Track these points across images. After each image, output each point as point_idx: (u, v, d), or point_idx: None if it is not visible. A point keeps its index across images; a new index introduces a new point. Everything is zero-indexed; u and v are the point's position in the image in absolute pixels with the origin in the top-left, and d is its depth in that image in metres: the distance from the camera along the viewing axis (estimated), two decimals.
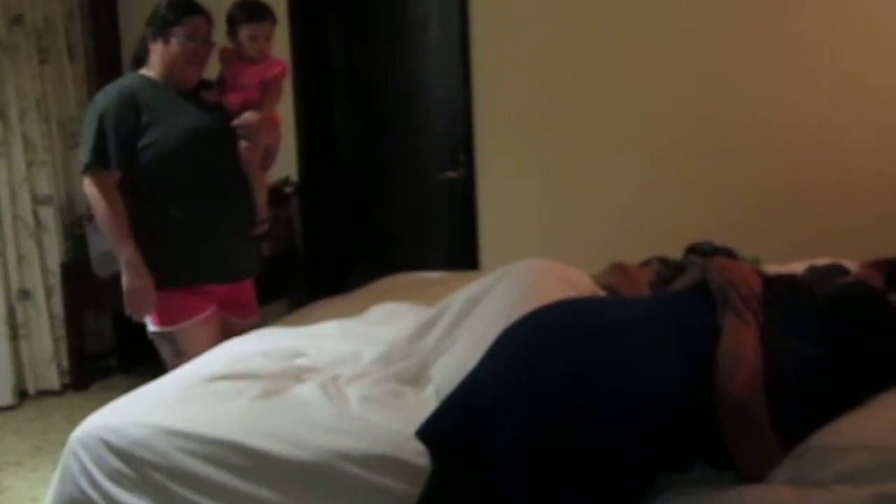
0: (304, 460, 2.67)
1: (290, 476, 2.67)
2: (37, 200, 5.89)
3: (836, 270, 3.92)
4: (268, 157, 4.10)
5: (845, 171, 4.94)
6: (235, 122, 3.90)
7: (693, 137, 5.22)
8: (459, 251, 5.74)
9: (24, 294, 5.84)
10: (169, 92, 3.81)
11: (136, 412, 2.99)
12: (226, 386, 3.08)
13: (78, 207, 6.10)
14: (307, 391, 3.01)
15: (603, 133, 5.38)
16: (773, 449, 2.43)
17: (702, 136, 5.21)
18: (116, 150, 3.68)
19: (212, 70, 4.00)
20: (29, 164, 5.84)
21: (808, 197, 5.05)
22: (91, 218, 5.77)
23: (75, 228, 5.99)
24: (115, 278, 5.55)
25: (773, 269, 4.12)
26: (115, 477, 2.84)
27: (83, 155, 3.74)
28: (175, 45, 3.76)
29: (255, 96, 3.97)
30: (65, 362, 6.00)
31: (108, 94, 3.75)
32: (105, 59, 6.31)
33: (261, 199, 4.04)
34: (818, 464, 2.40)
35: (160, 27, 3.78)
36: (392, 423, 2.75)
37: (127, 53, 6.20)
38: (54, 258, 5.96)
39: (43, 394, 5.88)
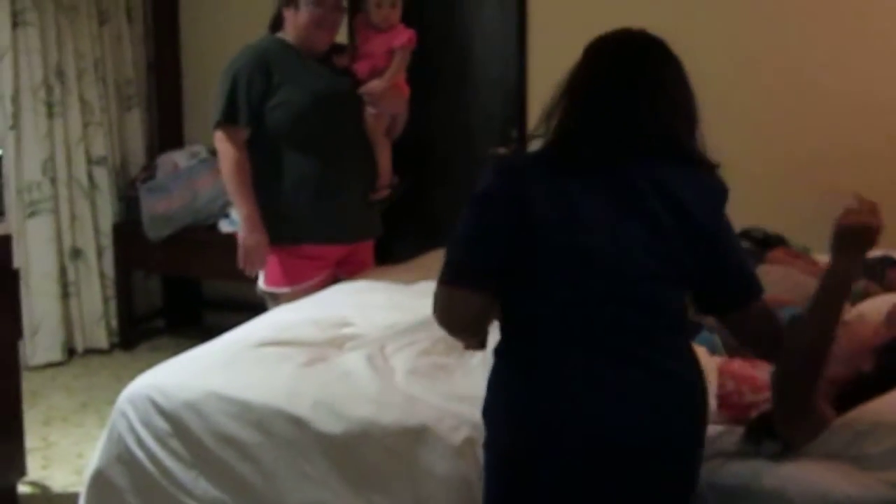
0: (345, 430, 2.70)
1: (332, 446, 2.71)
2: (91, 161, 5.94)
3: (888, 262, 3.91)
4: (394, 126, 4.19)
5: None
6: (362, 89, 4.00)
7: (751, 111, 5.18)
8: None
9: (76, 253, 5.91)
10: (301, 55, 3.92)
11: (185, 375, 3.03)
12: (273, 352, 3.12)
13: (132, 169, 6.16)
14: (353, 361, 3.05)
15: None
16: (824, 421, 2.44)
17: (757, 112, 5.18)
18: (246, 108, 3.81)
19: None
20: (85, 125, 5.89)
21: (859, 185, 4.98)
22: (144, 179, 5.86)
23: (128, 190, 6.06)
24: (166, 241, 5.69)
25: (824, 259, 4.10)
26: (161, 438, 2.89)
27: (215, 111, 3.87)
28: (304, 11, 3.85)
29: (381, 64, 4.04)
30: (113, 322, 6.07)
31: (243, 55, 3.88)
32: (163, 22, 6.35)
33: (383, 165, 4.13)
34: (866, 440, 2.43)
35: None
36: (433, 396, 2.78)
37: (185, 15, 6.32)
38: (107, 219, 6.02)
39: (90, 352, 5.95)
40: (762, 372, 2.74)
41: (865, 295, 3.62)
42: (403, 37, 4.05)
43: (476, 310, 2.20)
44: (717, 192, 2.22)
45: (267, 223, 3.86)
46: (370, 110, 4.02)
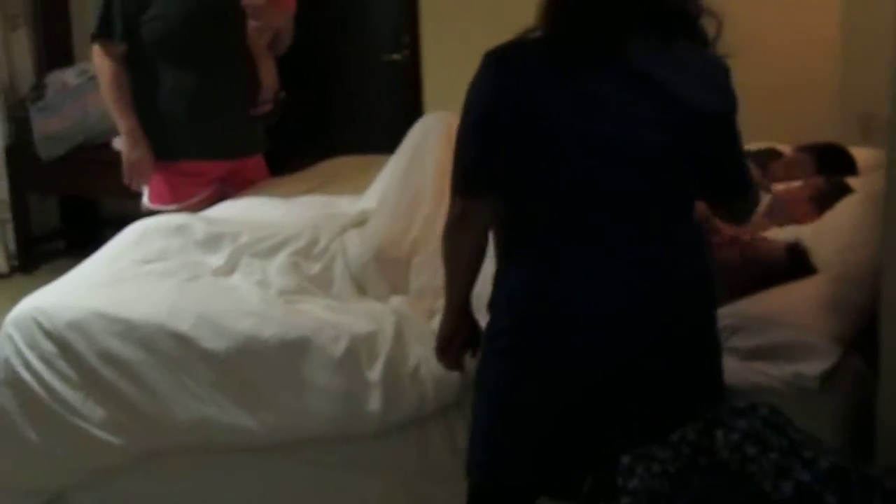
0: (227, 346, 2.73)
1: (214, 361, 2.74)
2: None
3: (770, 154, 3.99)
4: (278, 39, 4.12)
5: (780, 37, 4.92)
6: (243, 2, 3.93)
7: None
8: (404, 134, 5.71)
9: None
10: None
11: (69, 295, 3.03)
12: (158, 268, 3.12)
13: (21, 89, 6.01)
14: (236, 276, 3.06)
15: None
16: None
17: None
18: (121, 22, 3.75)
19: None
20: None
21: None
22: (34, 98, 5.73)
23: (18, 110, 5.92)
24: (60, 161, 5.59)
25: None
26: (47, 359, 2.90)
27: (93, 25, 3.82)
28: None
29: None
30: (11, 245, 5.96)
31: None
32: None
33: (266, 79, 4.08)
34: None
35: None
36: (313, 308, 2.81)
37: None
38: None
39: None
40: None
41: None
42: None
43: (489, 217, 2.17)
44: (724, 71, 2.14)
45: (148, 138, 3.82)
46: (252, 24, 3.96)
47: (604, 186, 2.08)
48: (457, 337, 2.33)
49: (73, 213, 6.39)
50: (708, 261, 2.25)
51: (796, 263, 2.76)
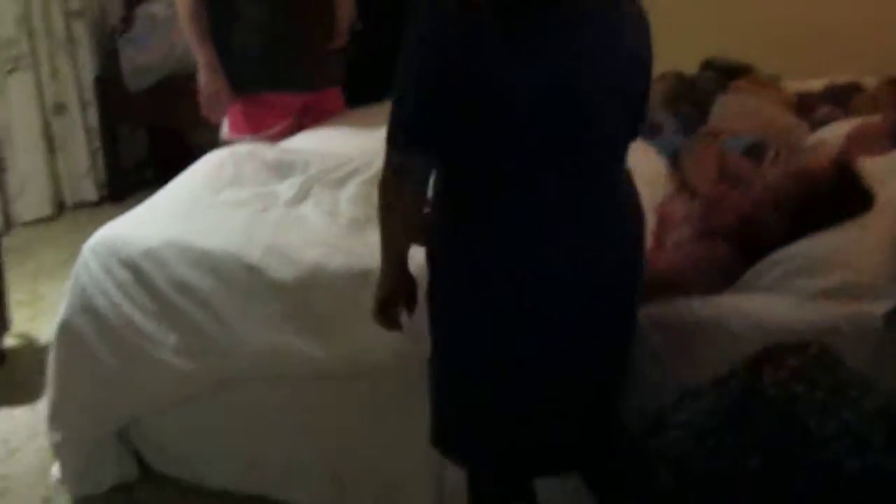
0: (295, 276, 2.77)
1: (282, 291, 2.79)
2: (69, 14, 5.87)
3: (853, 89, 3.91)
4: None
5: None
6: None
7: None
8: None
9: (60, 108, 5.89)
10: None
11: (145, 224, 3.10)
12: (230, 198, 3.17)
13: (110, 20, 6.10)
14: (307, 205, 3.09)
15: None
16: None
17: None
18: None
19: None
20: None
21: (832, 13, 4.89)
22: (123, 31, 5.81)
23: (108, 42, 6.01)
24: (149, 92, 5.67)
25: (794, 86, 4.10)
26: (123, 286, 2.96)
27: None
28: None
29: None
30: (101, 175, 6.09)
31: None
32: None
33: (341, 12, 4.08)
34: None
35: None
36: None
37: None
38: (87, 72, 5.99)
39: (80, 206, 5.98)
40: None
41: (829, 121, 3.64)
42: None
43: (428, 171, 2.13)
44: (647, 24, 2.18)
45: (226, 71, 3.86)
46: None
47: (553, 133, 2.06)
48: (396, 296, 2.30)
49: (162, 144, 6.48)
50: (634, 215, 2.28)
51: (844, 178, 2.70)
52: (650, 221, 2.69)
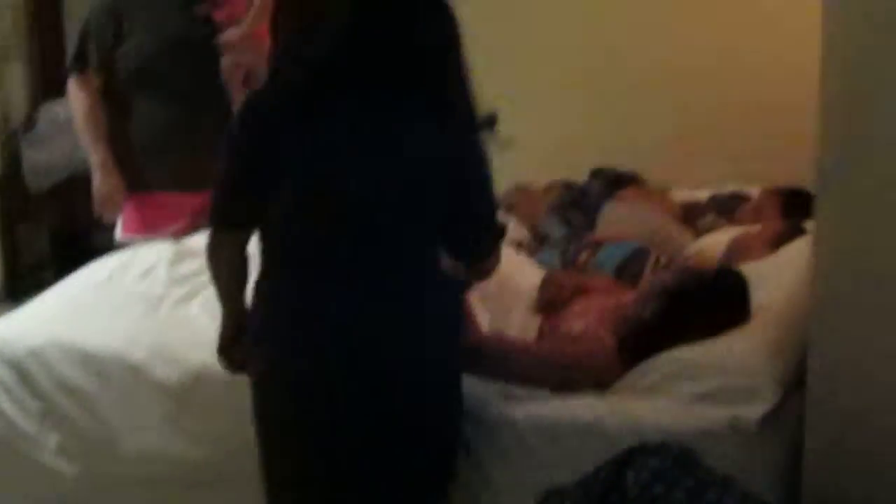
0: (179, 377, 2.77)
1: (166, 392, 2.77)
2: None
3: (738, 199, 4.04)
4: (252, 76, 4.14)
5: (755, 98, 4.96)
6: (219, 38, 3.93)
7: (606, 70, 5.24)
8: None
9: None
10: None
11: (30, 322, 3.08)
12: (118, 297, 3.18)
13: (12, 121, 6.08)
14: (194, 306, 3.10)
15: (549, 60, 5.39)
16: None
17: (615, 69, 5.23)
18: (96, 54, 3.82)
19: None
20: None
21: (719, 124, 5.05)
22: (25, 130, 5.80)
23: (10, 142, 5.99)
24: (50, 191, 5.64)
25: (680, 196, 4.23)
26: (5, 386, 2.93)
27: (69, 57, 3.90)
28: None
29: (241, 13, 3.98)
30: None
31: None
32: None
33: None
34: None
35: None
36: None
37: None
38: None
39: None
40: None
41: (712, 229, 3.74)
42: None
43: (244, 242, 2.34)
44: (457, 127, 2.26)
45: (122, 170, 3.87)
46: (226, 59, 3.96)
47: (344, 230, 2.23)
48: (238, 338, 2.44)
49: (62, 244, 6.43)
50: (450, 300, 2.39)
51: (727, 279, 2.81)
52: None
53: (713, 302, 2.74)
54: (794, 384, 2.53)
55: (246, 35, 3.96)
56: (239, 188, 2.28)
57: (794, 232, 3.28)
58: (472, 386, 2.50)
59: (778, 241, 3.26)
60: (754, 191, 4.14)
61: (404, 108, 2.20)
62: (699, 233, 3.74)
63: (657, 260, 3.26)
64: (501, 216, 3.58)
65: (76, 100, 3.88)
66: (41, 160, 5.71)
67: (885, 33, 2.14)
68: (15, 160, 5.88)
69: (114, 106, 3.89)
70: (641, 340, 2.67)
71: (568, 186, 4.14)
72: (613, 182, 4.19)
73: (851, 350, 2.30)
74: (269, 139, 2.21)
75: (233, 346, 2.46)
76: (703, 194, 4.25)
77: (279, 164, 2.20)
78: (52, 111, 5.88)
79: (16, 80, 6.15)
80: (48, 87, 6.23)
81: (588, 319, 2.88)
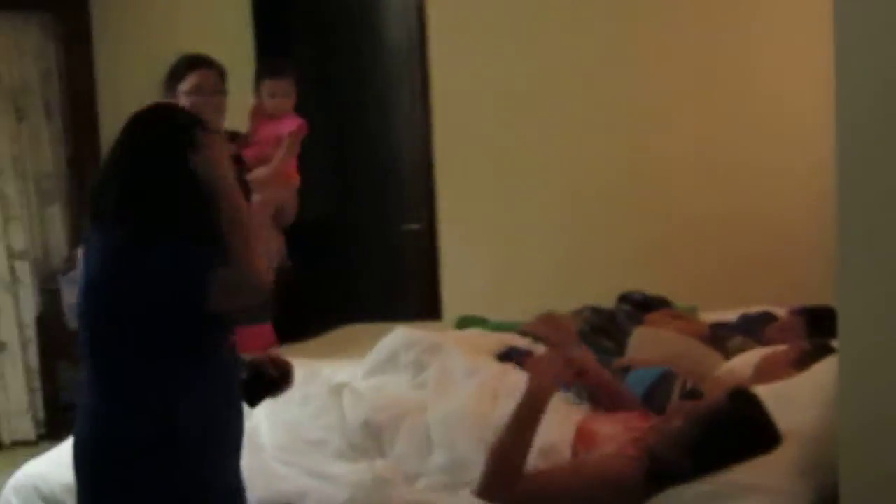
0: None
1: None
2: (13, 255, 6.01)
3: (766, 319, 4.06)
4: (281, 214, 4.23)
5: (776, 208, 5.03)
6: (248, 176, 4.02)
7: (619, 188, 5.35)
8: (424, 300, 5.86)
9: (0, 346, 5.95)
10: None
11: (67, 459, 3.08)
12: None
13: (53, 261, 6.23)
14: None
15: (542, 186, 5.52)
16: None
17: (625, 185, 5.34)
18: None
19: None
20: (6, 220, 5.98)
21: (744, 235, 5.12)
22: (65, 271, 5.92)
23: (49, 282, 6.12)
24: None
25: (709, 318, 4.25)
26: None
27: None
28: (183, 99, 3.86)
29: (269, 152, 4.14)
30: (40, 413, 6.10)
31: None
32: (81, 118, 6.43)
33: (271, 249, 4.15)
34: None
35: (168, 85, 3.94)
36: (298, 473, 2.88)
37: (103, 111, 6.37)
38: (29, 311, 6.08)
39: (18, 444, 5.97)
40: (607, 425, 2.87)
41: (741, 350, 3.75)
42: (292, 124, 4.17)
43: None
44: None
45: None
46: (255, 197, 4.09)
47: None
48: None
49: None
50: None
51: (740, 404, 2.79)
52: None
53: (737, 440, 2.75)
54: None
55: (275, 173, 4.07)
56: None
57: (821, 350, 3.29)
58: None
59: (804, 361, 3.27)
60: (782, 310, 4.16)
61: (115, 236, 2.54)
62: (729, 354, 3.75)
63: (684, 384, 3.27)
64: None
65: None
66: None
67: None
68: (55, 299, 5.99)
69: None
70: (675, 452, 2.69)
71: (597, 311, 4.17)
72: (641, 306, 4.23)
73: (883, 471, 2.28)
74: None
75: None
76: (731, 315, 4.27)
77: None
78: None
79: (57, 222, 6.30)
80: (88, 228, 6.36)
81: (619, 441, 2.89)
